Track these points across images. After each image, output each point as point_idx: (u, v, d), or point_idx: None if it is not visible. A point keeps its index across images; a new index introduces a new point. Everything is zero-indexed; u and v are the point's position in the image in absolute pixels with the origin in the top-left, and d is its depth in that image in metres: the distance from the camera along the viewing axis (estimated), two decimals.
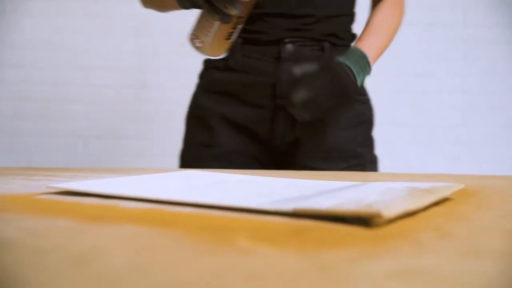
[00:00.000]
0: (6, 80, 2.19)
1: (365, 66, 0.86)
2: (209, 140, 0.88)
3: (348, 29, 0.94)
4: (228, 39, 0.75)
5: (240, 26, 0.76)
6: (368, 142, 0.96)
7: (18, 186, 0.56)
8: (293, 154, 0.89)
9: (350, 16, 0.94)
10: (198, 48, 0.74)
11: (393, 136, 2.22)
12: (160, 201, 0.45)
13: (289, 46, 0.86)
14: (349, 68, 0.82)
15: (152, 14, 1.04)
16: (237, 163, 0.85)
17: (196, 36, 0.74)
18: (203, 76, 0.94)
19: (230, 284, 0.25)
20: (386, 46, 0.93)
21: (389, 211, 0.37)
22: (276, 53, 0.87)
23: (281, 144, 0.89)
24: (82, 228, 0.36)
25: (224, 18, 0.69)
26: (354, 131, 0.93)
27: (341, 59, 0.84)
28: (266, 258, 0.30)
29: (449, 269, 0.28)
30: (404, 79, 2.24)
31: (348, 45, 0.92)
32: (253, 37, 0.87)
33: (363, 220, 0.37)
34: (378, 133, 2.23)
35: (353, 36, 0.94)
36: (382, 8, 0.94)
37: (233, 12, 0.67)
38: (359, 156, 0.93)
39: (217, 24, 0.72)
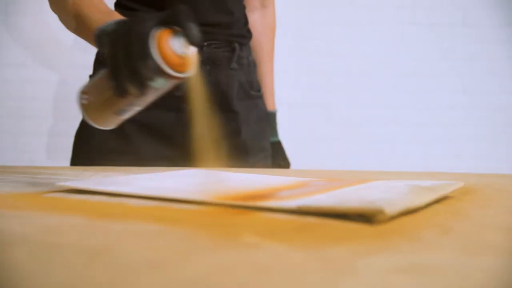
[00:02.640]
0: (9, 79, 2.20)
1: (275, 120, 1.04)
2: (124, 148, 0.87)
3: (247, 27, 0.99)
4: (118, 114, 0.58)
5: (137, 109, 0.59)
6: (267, 135, 1.02)
7: (26, 184, 0.57)
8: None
9: (245, 17, 0.99)
10: (81, 106, 0.57)
11: (394, 135, 2.23)
12: (166, 199, 0.46)
13: (206, 49, 0.88)
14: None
15: None
16: (155, 166, 0.85)
17: (86, 90, 0.57)
18: None
19: (240, 277, 0.26)
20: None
21: (391, 208, 0.38)
22: None
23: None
24: (92, 225, 0.37)
25: (118, 90, 0.54)
26: (259, 126, 0.98)
27: (273, 139, 1.03)
28: (272, 253, 0.31)
29: (451, 264, 0.29)
30: (405, 79, 2.25)
31: (248, 41, 0.97)
32: None
33: (366, 217, 0.38)
34: (380, 132, 2.24)
35: (249, 31, 0.99)
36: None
37: (133, 91, 0.52)
38: (264, 150, 0.98)
39: (110, 91, 0.55)
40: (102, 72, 0.57)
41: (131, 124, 0.86)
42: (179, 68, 0.51)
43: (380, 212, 0.37)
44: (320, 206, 0.40)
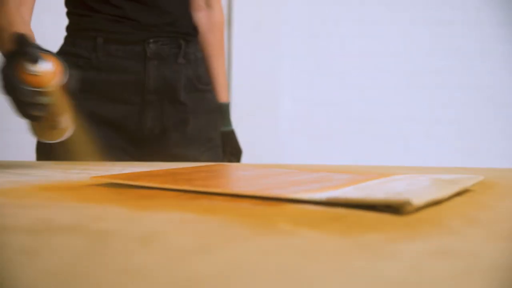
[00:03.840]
0: None
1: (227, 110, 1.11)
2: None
3: (192, 25, 1.06)
4: (55, 128, 0.69)
5: (62, 119, 0.68)
6: (217, 126, 1.10)
7: (60, 178, 0.59)
8: (160, 143, 1.00)
9: (189, 16, 1.06)
10: (32, 132, 0.70)
11: (407, 132, 2.24)
12: (199, 192, 0.48)
13: (152, 46, 0.97)
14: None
15: None
16: (107, 156, 0.91)
17: (30, 129, 0.70)
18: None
19: (282, 259, 0.28)
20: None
21: (418, 200, 0.40)
22: (142, 52, 0.96)
23: (149, 135, 0.98)
24: (134, 215, 0.40)
25: (25, 118, 0.65)
26: (207, 117, 1.05)
27: (225, 128, 1.09)
28: (309, 238, 0.33)
29: (477, 249, 0.31)
30: (418, 76, 2.26)
31: (194, 38, 1.05)
32: (115, 37, 0.96)
33: (393, 208, 0.40)
34: (392, 129, 2.26)
35: (195, 29, 1.07)
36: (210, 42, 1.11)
37: (36, 113, 0.64)
38: (212, 140, 1.06)
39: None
40: None
41: (84, 115, 0.93)
42: (41, 84, 0.63)
43: (407, 203, 0.39)
44: (349, 198, 0.42)
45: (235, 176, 0.61)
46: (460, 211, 0.42)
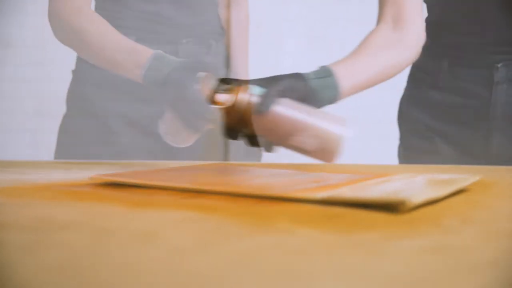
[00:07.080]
0: (27, 79, 2.24)
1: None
2: (106, 139, 0.93)
3: (220, 24, 1.07)
4: (198, 132, 0.73)
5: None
6: None
7: (60, 177, 0.60)
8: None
9: (218, 15, 1.07)
10: (168, 141, 0.75)
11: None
12: (198, 191, 0.49)
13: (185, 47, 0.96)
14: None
15: None
16: (136, 158, 0.89)
17: (168, 134, 0.75)
18: (87, 70, 0.96)
19: (279, 258, 0.29)
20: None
21: (414, 199, 0.40)
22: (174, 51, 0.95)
23: None
24: (135, 213, 0.40)
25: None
26: None
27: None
28: (306, 237, 0.33)
29: (471, 247, 0.31)
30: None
31: (222, 37, 1.05)
32: (150, 37, 0.94)
33: (390, 207, 0.40)
34: (390, 128, 2.25)
35: (222, 28, 1.08)
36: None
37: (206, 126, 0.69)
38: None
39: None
40: (175, 123, 0.73)
41: (114, 117, 0.90)
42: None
43: (404, 202, 0.39)
44: (346, 197, 0.42)
45: (234, 175, 0.62)
46: (456, 210, 0.42)
